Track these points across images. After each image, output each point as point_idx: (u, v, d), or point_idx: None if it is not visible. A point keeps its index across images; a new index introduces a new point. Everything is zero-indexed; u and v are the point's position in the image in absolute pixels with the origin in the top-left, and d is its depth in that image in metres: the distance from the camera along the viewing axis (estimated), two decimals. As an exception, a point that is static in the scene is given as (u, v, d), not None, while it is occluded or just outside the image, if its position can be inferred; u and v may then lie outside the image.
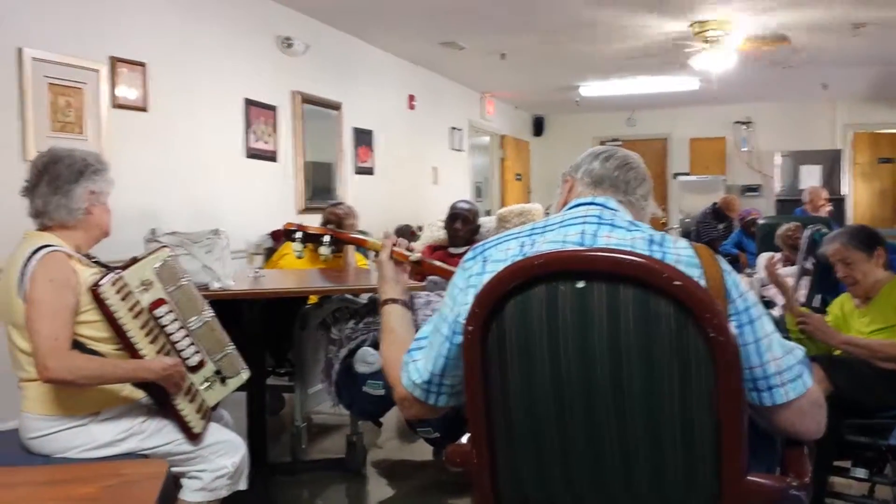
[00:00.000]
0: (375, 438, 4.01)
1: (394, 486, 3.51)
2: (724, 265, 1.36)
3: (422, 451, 3.73)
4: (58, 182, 2.10)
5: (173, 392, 2.10)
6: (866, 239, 2.90)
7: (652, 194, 1.62)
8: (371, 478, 3.54)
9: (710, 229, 8.38)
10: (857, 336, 2.83)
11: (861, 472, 2.69)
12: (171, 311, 2.14)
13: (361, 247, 4.07)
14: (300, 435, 3.66)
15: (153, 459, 2.05)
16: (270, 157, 5.41)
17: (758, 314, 1.34)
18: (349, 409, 3.23)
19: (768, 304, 5.22)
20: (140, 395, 2.14)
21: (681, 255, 1.34)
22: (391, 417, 3.84)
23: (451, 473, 3.25)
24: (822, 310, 3.29)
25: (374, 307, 3.31)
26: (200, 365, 2.20)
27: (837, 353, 2.82)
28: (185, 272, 2.30)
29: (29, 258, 2.01)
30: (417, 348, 1.53)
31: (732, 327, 1.27)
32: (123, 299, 2.01)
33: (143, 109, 4.24)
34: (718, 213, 8.48)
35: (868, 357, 2.69)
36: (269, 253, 4.50)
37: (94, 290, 1.98)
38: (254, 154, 5.20)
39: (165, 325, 2.12)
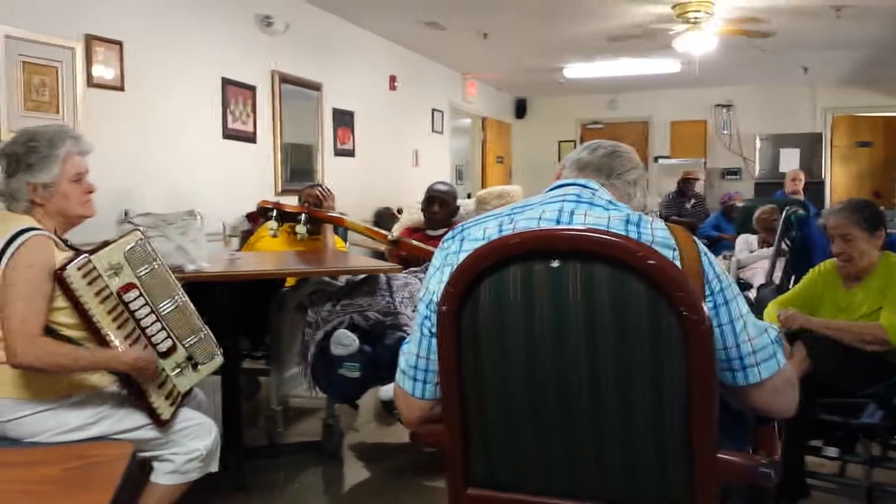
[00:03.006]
0: (352, 421, 4.00)
1: (370, 469, 3.51)
2: (701, 246, 1.37)
3: (399, 433, 3.73)
4: (6, 170, 2.08)
5: (145, 385, 2.07)
6: (871, 217, 2.81)
7: (644, 185, 1.62)
8: (348, 460, 3.52)
9: (679, 208, 8.39)
10: (837, 320, 2.80)
11: (833, 452, 2.71)
12: (140, 296, 2.10)
13: (339, 226, 4.08)
14: (276, 418, 3.65)
15: (118, 442, 2.02)
16: (248, 137, 5.36)
17: (733, 295, 1.35)
18: (325, 391, 3.21)
19: (745, 286, 5.27)
20: (110, 379, 2.11)
21: (656, 235, 1.34)
22: (368, 400, 3.83)
23: (428, 456, 3.28)
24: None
25: (350, 290, 3.30)
26: (171, 351, 2.17)
27: None
28: (157, 255, 2.25)
29: (10, 241, 1.97)
30: (406, 342, 1.53)
31: (707, 308, 1.27)
32: (90, 284, 1.97)
33: (120, 89, 4.19)
34: (683, 190, 8.52)
35: (852, 340, 2.68)
36: (246, 235, 4.46)
37: (59, 275, 1.94)
38: (231, 135, 5.15)
39: (135, 311, 2.08)
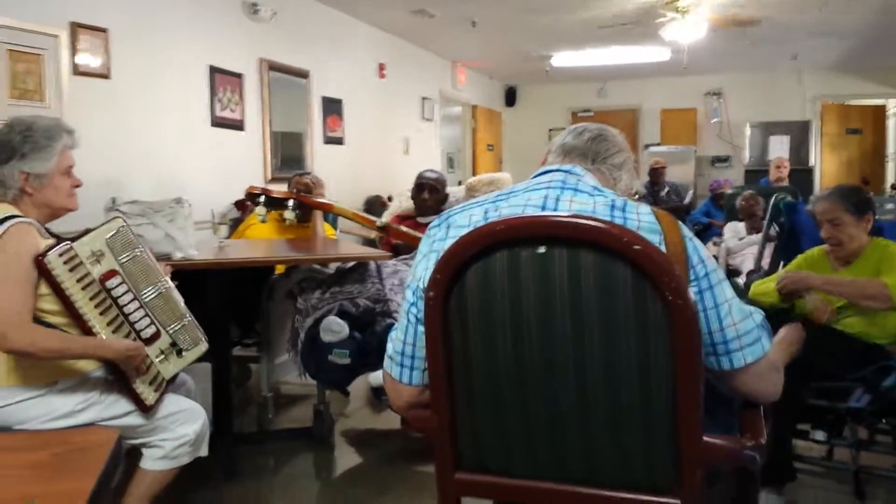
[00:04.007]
0: (343, 408, 4.01)
1: (361, 455, 3.52)
2: (686, 231, 1.37)
3: (389, 419, 3.74)
4: None
5: (132, 376, 2.08)
6: (859, 202, 2.83)
7: (630, 167, 1.61)
8: (339, 446, 3.53)
9: (655, 197, 8.39)
10: (837, 276, 2.80)
11: (820, 435, 2.73)
12: (123, 283, 2.10)
13: (328, 212, 4.08)
14: (267, 405, 3.65)
15: (103, 427, 2.02)
16: (237, 125, 5.33)
17: (717, 280, 1.35)
18: (315, 378, 3.22)
19: (735, 272, 5.29)
20: (95, 365, 2.11)
21: (642, 220, 1.34)
22: (359, 387, 3.83)
23: (419, 441, 3.29)
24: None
25: (340, 277, 3.30)
26: (155, 337, 2.17)
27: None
28: (139, 242, 2.25)
29: None
30: (394, 329, 1.53)
31: (692, 292, 1.27)
32: (72, 270, 1.97)
33: (106, 77, 4.16)
34: (654, 180, 8.53)
35: (851, 296, 2.69)
36: (236, 223, 4.44)
37: (40, 261, 1.94)
38: (219, 123, 5.12)
39: (117, 297, 2.08)
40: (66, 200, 2.17)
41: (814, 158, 10.15)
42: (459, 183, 8.56)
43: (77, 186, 2.20)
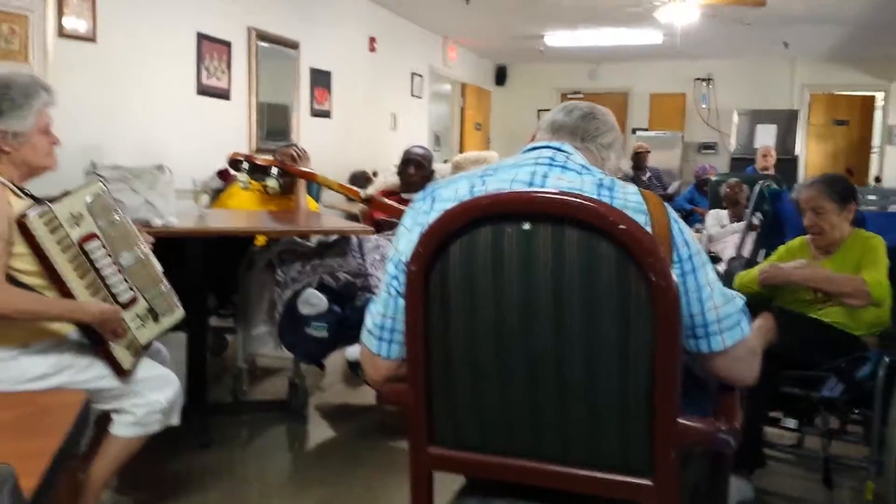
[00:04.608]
0: (318, 381, 4.01)
1: (334, 428, 3.52)
2: (672, 213, 1.37)
3: (364, 394, 3.74)
4: None
5: (109, 339, 2.07)
6: (842, 191, 2.84)
7: (619, 147, 1.60)
8: (312, 420, 3.54)
9: (637, 181, 8.38)
10: (818, 272, 2.79)
11: (792, 423, 2.74)
12: (102, 247, 2.08)
13: (311, 181, 4.04)
14: (241, 376, 3.64)
15: (70, 390, 2.00)
16: (223, 94, 5.27)
17: (701, 262, 1.35)
18: (292, 350, 3.21)
19: (716, 259, 5.30)
20: (69, 328, 2.09)
21: (629, 200, 1.34)
22: (335, 361, 3.82)
23: (393, 417, 3.28)
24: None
25: (321, 250, 3.27)
26: (132, 302, 2.16)
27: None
28: (119, 207, 2.23)
29: None
30: (373, 302, 1.51)
31: (675, 274, 1.27)
32: (52, 232, 1.95)
33: (92, 40, 4.11)
34: (637, 164, 8.52)
35: (830, 292, 2.69)
36: (218, 193, 4.40)
37: (21, 222, 1.91)
38: (205, 91, 5.06)
39: (96, 261, 2.06)
40: (45, 159, 2.13)
41: (799, 148, 10.18)
42: (445, 161, 8.53)
43: (55, 144, 2.17)
